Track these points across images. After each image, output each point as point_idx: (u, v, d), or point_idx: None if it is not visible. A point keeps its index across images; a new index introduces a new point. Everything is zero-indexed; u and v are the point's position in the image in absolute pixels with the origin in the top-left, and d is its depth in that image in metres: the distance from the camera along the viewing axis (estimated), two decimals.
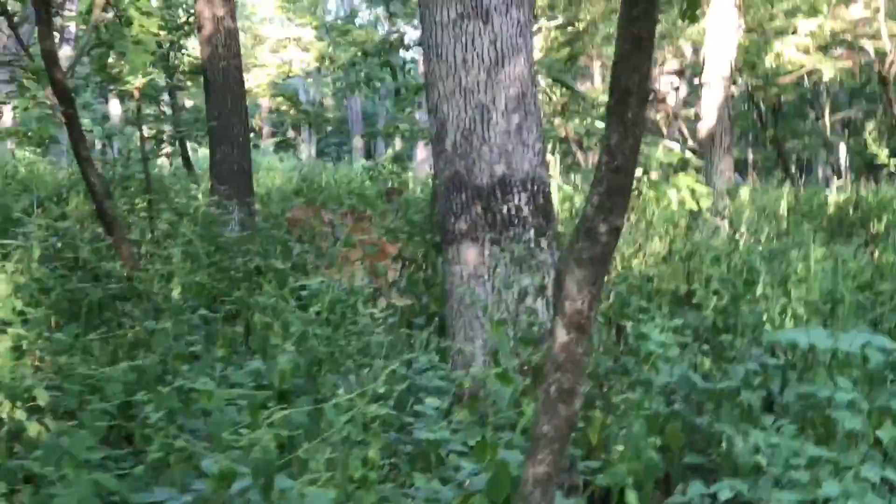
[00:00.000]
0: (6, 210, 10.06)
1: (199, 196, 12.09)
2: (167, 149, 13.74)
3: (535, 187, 6.98)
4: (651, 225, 9.95)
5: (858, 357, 4.42)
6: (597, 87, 24.21)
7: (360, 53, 14.35)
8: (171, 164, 15.63)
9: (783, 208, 13.55)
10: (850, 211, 13.05)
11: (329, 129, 29.37)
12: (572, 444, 5.56)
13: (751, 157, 31.02)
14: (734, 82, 15.26)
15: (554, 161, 13.65)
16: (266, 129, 30.28)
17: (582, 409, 6.08)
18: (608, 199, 3.44)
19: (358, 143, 35.37)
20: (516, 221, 6.92)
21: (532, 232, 6.95)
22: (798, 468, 4.05)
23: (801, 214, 13.69)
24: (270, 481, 3.52)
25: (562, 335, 3.48)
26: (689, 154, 10.86)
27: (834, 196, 13.82)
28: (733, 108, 15.98)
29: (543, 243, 7.02)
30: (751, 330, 6.87)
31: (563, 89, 14.62)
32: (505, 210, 6.90)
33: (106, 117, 14.64)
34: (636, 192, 9.85)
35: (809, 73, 15.50)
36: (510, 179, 6.90)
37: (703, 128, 14.95)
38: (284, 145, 13.52)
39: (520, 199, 6.93)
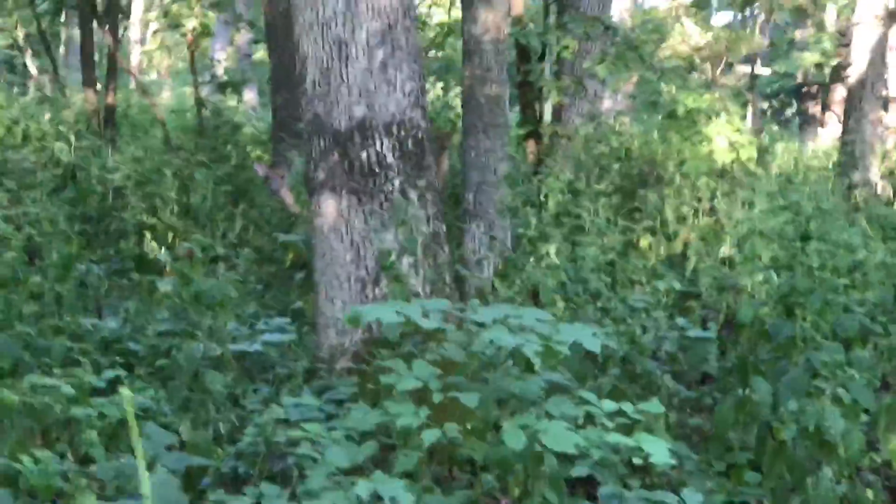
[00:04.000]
0: None
1: None
2: None
3: (403, 132, 6.23)
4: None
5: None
6: None
7: None
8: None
9: None
10: None
11: None
12: None
13: None
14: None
15: None
16: None
17: None
18: None
19: None
20: (377, 170, 6.19)
21: (397, 182, 6.20)
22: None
23: None
24: None
25: None
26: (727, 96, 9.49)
27: None
28: None
29: (413, 195, 6.26)
30: None
31: None
32: (364, 157, 6.18)
33: None
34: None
35: None
36: (371, 123, 6.18)
37: (854, 73, 13.32)
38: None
39: (382, 145, 6.19)
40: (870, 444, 4.80)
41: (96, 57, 16.93)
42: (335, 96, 6.17)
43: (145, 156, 10.31)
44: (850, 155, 12.97)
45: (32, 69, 20.43)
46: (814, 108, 22.77)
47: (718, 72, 15.81)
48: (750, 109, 18.05)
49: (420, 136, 6.29)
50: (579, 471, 4.01)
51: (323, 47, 6.19)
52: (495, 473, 3.82)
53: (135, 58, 31.49)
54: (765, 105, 27.02)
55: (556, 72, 10.52)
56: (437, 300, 3.92)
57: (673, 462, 3.51)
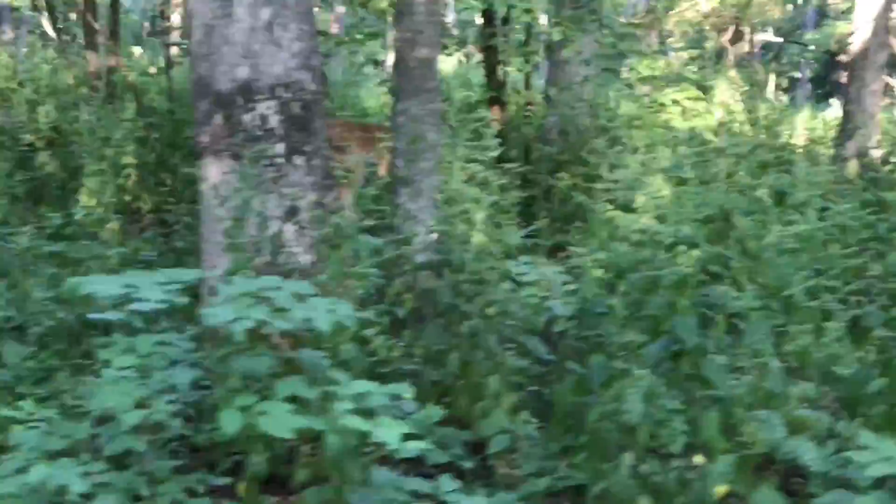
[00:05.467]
0: None
1: None
2: None
3: (290, 95, 5.98)
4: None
5: None
6: None
7: None
8: None
9: None
10: None
11: None
12: None
13: None
14: None
15: None
16: None
17: None
18: None
19: None
20: (261, 134, 5.96)
21: (282, 146, 5.97)
22: None
23: None
24: None
25: None
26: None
27: None
28: None
29: (299, 160, 6.03)
30: None
31: None
32: (247, 120, 5.95)
33: None
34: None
35: None
36: (255, 85, 5.94)
37: (857, 41, 12.78)
38: None
39: (266, 108, 5.95)
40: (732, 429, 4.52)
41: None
42: (218, 56, 5.95)
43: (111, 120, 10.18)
44: (848, 125, 12.50)
45: (49, 31, 20.44)
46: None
47: (727, 40, 15.29)
48: (773, 80, 17.56)
49: (308, 98, 6.05)
50: (410, 451, 3.79)
51: (207, 5, 5.96)
52: (266, 456, 3.60)
53: (177, 19, 31.36)
54: (797, 75, 26.40)
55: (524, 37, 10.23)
56: (185, 270, 3.68)
57: (422, 446, 3.27)
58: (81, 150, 9.36)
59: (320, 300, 3.36)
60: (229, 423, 3.06)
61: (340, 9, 28.13)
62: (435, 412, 4.75)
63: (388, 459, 4.53)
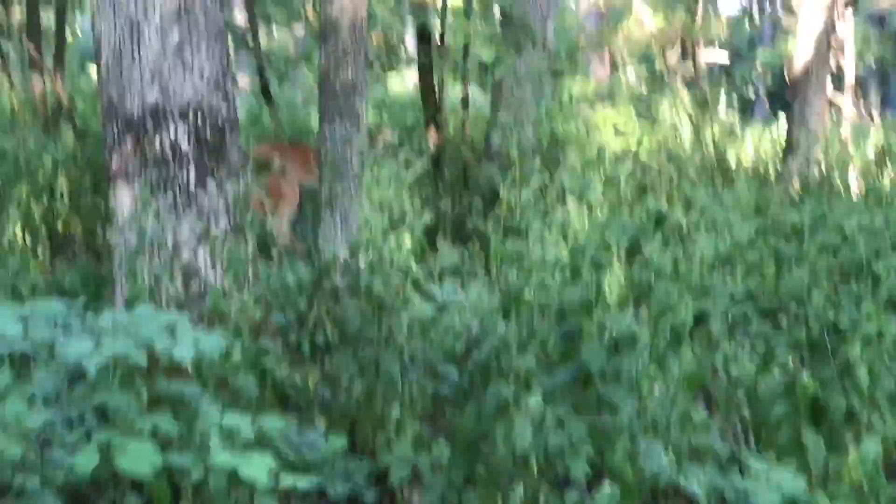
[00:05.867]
0: None
1: None
2: None
3: (201, 118, 5.88)
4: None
5: None
6: None
7: None
8: None
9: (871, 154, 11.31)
10: None
11: None
12: None
13: None
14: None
15: None
16: None
17: None
18: None
19: None
20: (172, 159, 5.84)
21: (193, 171, 5.86)
22: None
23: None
24: None
25: None
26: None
27: None
28: None
29: (211, 185, 5.92)
30: None
31: None
32: (158, 145, 5.84)
33: None
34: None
35: None
36: (165, 108, 5.83)
37: (799, 61, 12.79)
38: None
39: (177, 132, 5.85)
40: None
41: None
42: (127, 80, 5.84)
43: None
44: (792, 143, 12.50)
45: None
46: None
47: (672, 58, 15.29)
48: (723, 98, 17.53)
49: (220, 122, 5.94)
50: (304, 483, 3.69)
51: (115, 28, 5.85)
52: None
53: None
54: (752, 92, 26.52)
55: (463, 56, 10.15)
56: (51, 302, 3.56)
57: (300, 481, 3.16)
58: (6, 175, 9.20)
59: (188, 331, 3.25)
60: (84, 461, 2.94)
61: (300, 31, 28.00)
62: (338, 442, 4.65)
63: (292, 493, 4.44)
